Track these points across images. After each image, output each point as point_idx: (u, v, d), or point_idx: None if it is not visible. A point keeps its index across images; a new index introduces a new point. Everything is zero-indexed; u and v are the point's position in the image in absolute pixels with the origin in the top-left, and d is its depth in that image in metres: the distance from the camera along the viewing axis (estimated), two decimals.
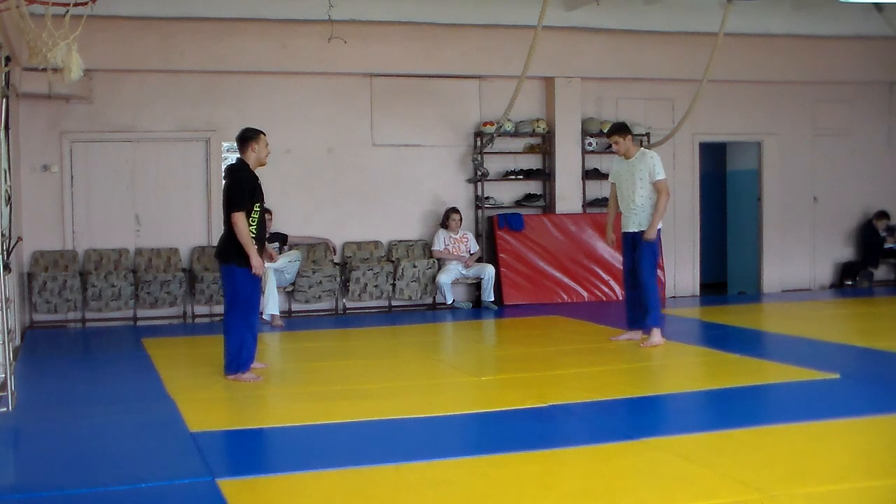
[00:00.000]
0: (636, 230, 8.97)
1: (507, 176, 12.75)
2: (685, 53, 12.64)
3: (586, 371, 7.95)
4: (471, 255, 12.23)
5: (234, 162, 7.81)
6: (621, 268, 9.78)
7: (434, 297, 12.14)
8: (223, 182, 7.74)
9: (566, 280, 12.61)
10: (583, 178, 12.91)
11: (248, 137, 7.64)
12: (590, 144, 12.87)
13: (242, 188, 7.44)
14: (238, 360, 7.60)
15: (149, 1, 10.92)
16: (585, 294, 12.66)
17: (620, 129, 9.07)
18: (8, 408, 6.51)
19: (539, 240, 12.56)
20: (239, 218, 7.36)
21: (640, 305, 9.11)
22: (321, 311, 11.84)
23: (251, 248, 7.41)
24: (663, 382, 7.86)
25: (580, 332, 10.08)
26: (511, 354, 9.19)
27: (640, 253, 8.95)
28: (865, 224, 14.13)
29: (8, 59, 7.99)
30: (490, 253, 12.57)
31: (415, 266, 11.83)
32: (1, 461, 5.68)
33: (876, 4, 12.60)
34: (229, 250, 7.50)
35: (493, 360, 9.10)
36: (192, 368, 8.31)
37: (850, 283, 14.01)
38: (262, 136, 7.67)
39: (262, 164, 7.69)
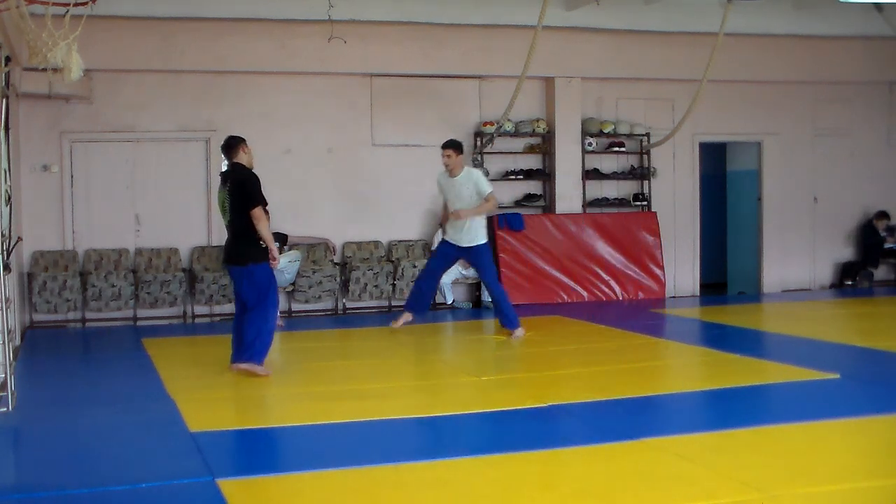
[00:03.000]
0: (467, 245, 9.43)
1: (507, 176, 12.75)
2: (685, 53, 12.64)
3: (586, 371, 7.95)
4: None
5: (232, 166, 7.91)
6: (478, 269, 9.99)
7: (434, 297, 12.13)
8: (228, 184, 7.81)
9: (566, 280, 12.61)
10: (583, 178, 12.91)
11: (237, 142, 7.88)
12: (590, 144, 12.87)
13: (259, 185, 7.71)
14: (264, 351, 7.75)
15: (149, 1, 10.92)
16: (585, 294, 12.66)
17: (458, 145, 9.46)
18: (8, 408, 6.51)
19: (539, 240, 12.56)
20: (261, 213, 7.62)
21: (429, 299, 9.92)
22: (321, 311, 11.84)
23: (272, 241, 7.71)
24: (663, 382, 7.86)
25: (580, 332, 10.08)
26: (511, 354, 9.18)
27: (481, 263, 9.54)
28: (865, 224, 14.13)
29: (8, 59, 7.99)
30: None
31: (415, 266, 11.82)
32: (1, 461, 5.68)
33: (876, 4, 12.61)
34: (246, 251, 7.70)
35: (493, 360, 9.09)
36: (192, 368, 8.31)
37: (850, 283, 14.01)
38: (245, 141, 7.94)
39: (251, 168, 7.92)
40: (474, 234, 9.45)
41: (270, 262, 7.73)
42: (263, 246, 7.68)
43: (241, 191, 7.68)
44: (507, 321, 9.59)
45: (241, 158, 7.86)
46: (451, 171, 9.45)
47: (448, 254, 9.69)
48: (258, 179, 7.74)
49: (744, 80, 13.40)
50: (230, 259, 7.88)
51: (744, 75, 13.31)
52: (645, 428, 5.97)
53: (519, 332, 9.54)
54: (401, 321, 9.91)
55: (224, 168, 8.24)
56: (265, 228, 7.66)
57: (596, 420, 6.25)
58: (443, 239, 9.76)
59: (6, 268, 7.06)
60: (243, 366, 7.70)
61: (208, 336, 10.28)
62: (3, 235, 7.26)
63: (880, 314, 12.05)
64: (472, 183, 9.35)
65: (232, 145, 7.88)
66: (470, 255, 9.57)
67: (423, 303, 9.93)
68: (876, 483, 4.88)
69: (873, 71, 13.94)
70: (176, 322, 11.32)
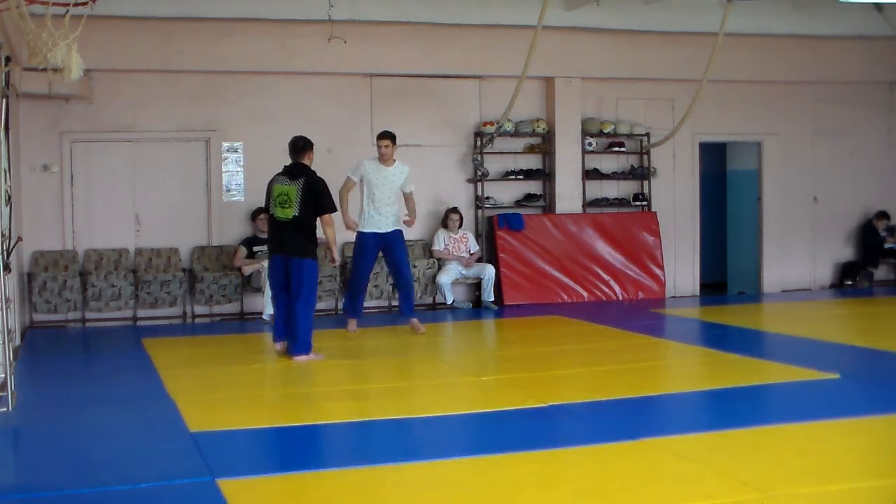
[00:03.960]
0: (390, 230, 9.72)
1: (507, 176, 12.75)
2: (685, 53, 12.64)
3: (586, 371, 7.96)
4: (471, 254, 12.24)
5: (299, 165, 8.53)
6: (354, 268, 10.01)
7: (434, 297, 12.14)
8: (301, 181, 8.39)
9: (566, 280, 12.61)
10: (583, 178, 12.91)
11: (307, 144, 8.59)
12: (590, 144, 12.87)
13: (329, 191, 8.48)
14: (310, 343, 8.40)
15: (149, 1, 10.92)
16: (585, 294, 12.66)
17: (394, 136, 9.75)
18: (8, 408, 6.52)
19: (539, 240, 12.56)
20: (332, 219, 8.46)
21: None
22: (321, 312, 11.79)
23: (335, 243, 8.59)
24: (663, 382, 7.87)
25: (580, 332, 10.09)
26: (511, 354, 9.19)
27: (400, 246, 9.81)
28: (865, 224, 14.13)
29: (8, 59, 7.99)
30: (490, 253, 12.57)
31: (414, 266, 11.82)
32: (1, 461, 5.68)
33: (876, 4, 12.61)
34: (307, 246, 8.37)
35: (493, 360, 9.10)
36: (192, 368, 8.33)
37: (850, 283, 14.01)
38: (313, 146, 8.72)
39: None
40: (397, 221, 9.81)
41: (330, 262, 8.72)
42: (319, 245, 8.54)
43: (317, 195, 8.36)
44: (410, 309, 9.93)
45: (306, 160, 8.54)
46: (385, 161, 9.69)
47: (375, 248, 9.80)
48: (327, 186, 8.50)
49: (744, 80, 13.39)
50: (288, 250, 8.37)
51: (744, 75, 13.31)
52: (645, 428, 5.97)
53: (419, 324, 9.92)
54: (351, 328, 10.08)
55: (289, 164, 8.64)
56: (333, 232, 8.49)
57: (596, 420, 6.25)
58: (366, 233, 9.72)
59: (6, 268, 7.07)
60: (302, 359, 8.31)
61: (208, 336, 10.30)
62: (3, 235, 7.26)
63: (880, 314, 12.06)
64: (405, 177, 9.79)
65: (301, 147, 8.56)
66: (389, 238, 9.74)
67: (363, 302, 10.17)
68: (876, 483, 4.88)
69: (873, 71, 13.94)
70: (176, 322, 11.32)
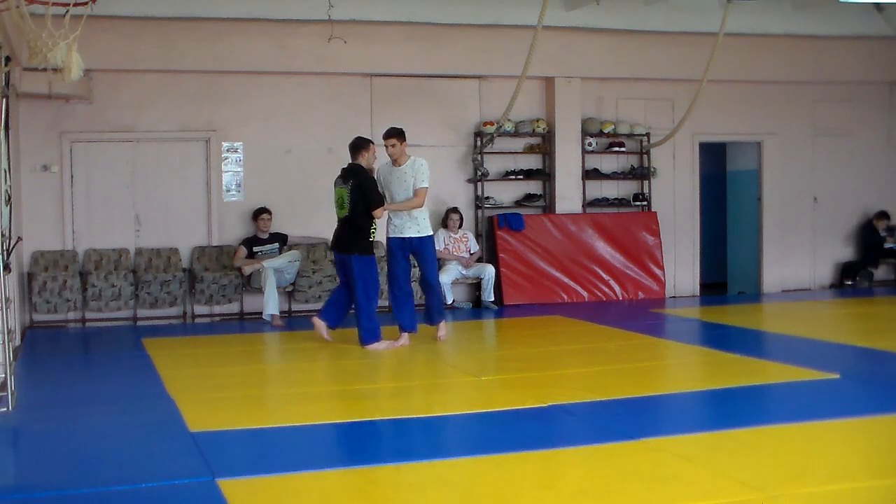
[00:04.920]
0: (414, 235, 9.17)
1: (507, 176, 12.75)
2: (685, 53, 12.65)
3: (586, 371, 7.96)
4: (471, 254, 12.24)
5: (353, 166, 9.04)
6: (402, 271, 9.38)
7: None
8: (350, 182, 8.92)
9: (566, 280, 12.61)
10: (583, 178, 12.91)
11: (363, 143, 9.09)
12: (590, 144, 12.87)
13: (377, 188, 8.98)
14: (377, 331, 9.02)
15: (149, 1, 10.93)
16: (585, 294, 12.66)
17: (401, 132, 9.18)
18: (8, 408, 6.51)
19: (539, 240, 12.56)
20: (380, 211, 8.93)
21: (412, 305, 9.42)
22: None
23: (397, 207, 8.99)
24: (663, 382, 7.87)
25: (580, 332, 10.09)
26: (511, 354, 9.19)
27: (426, 253, 9.25)
28: (865, 224, 14.13)
29: (8, 59, 7.99)
30: (490, 253, 12.57)
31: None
32: (1, 461, 5.68)
33: (876, 4, 12.62)
34: (356, 244, 8.94)
35: (493, 360, 9.10)
36: (192, 368, 8.32)
37: (850, 283, 14.01)
38: (372, 145, 9.16)
39: (371, 170, 9.10)
40: (421, 225, 9.15)
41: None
42: (371, 240, 9.04)
43: (362, 193, 8.83)
44: (440, 315, 9.50)
45: (361, 160, 9.02)
46: (395, 161, 9.14)
47: (398, 251, 9.21)
48: (375, 183, 8.98)
49: (744, 80, 13.39)
50: (340, 248, 9.04)
51: (744, 75, 13.31)
52: (645, 428, 5.97)
53: (443, 331, 9.51)
54: (401, 342, 9.30)
55: (345, 166, 9.17)
56: (381, 211, 8.96)
57: (596, 420, 6.25)
58: (390, 238, 9.25)
59: (6, 268, 7.07)
60: (371, 347, 8.95)
61: (208, 336, 10.30)
62: (3, 235, 7.26)
63: (880, 314, 12.05)
64: (416, 171, 9.06)
65: (357, 146, 9.07)
66: (414, 245, 9.16)
67: (411, 313, 9.35)
68: (876, 483, 4.88)
69: (873, 71, 13.94)
70: (176, 322, 11.32)
